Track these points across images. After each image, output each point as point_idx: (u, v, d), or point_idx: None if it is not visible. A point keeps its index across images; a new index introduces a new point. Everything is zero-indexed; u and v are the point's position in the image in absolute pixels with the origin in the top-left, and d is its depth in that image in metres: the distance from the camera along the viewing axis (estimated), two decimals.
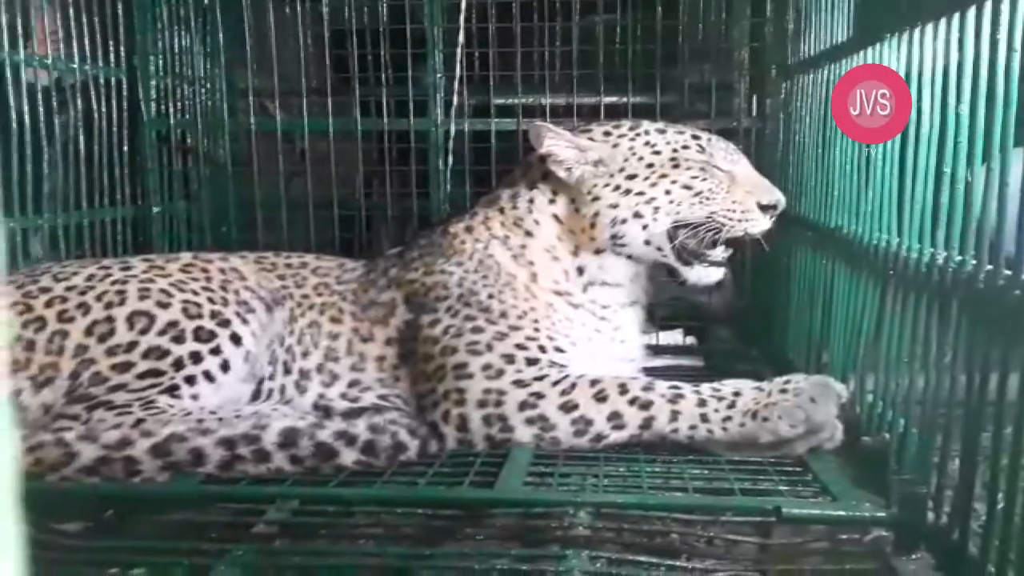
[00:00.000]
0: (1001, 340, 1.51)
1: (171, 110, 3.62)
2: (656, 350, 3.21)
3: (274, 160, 3.54)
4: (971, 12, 1.65)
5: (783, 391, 2.12)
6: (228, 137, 3.61)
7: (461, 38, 3.50)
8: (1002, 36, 1.54)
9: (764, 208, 2.42)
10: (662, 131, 2.53)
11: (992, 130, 1.57)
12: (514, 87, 3.52)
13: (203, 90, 3.69)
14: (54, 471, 1.96)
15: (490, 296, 2.42)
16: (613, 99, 3.53)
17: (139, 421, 2.11)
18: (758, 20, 3.47)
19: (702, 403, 2.14)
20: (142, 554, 1.73)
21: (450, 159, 3.52)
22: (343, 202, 3.63)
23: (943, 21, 1.77)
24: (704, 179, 2.42)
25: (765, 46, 3.44)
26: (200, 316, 2.33)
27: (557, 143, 2.48)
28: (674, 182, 2.42)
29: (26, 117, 2.88)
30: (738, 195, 2.42)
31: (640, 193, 2.43)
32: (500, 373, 2.25)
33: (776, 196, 2.44)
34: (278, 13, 3.51)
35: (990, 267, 1.57)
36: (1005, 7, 1.53)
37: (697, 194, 2.41)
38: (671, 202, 2.41)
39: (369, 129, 3.63)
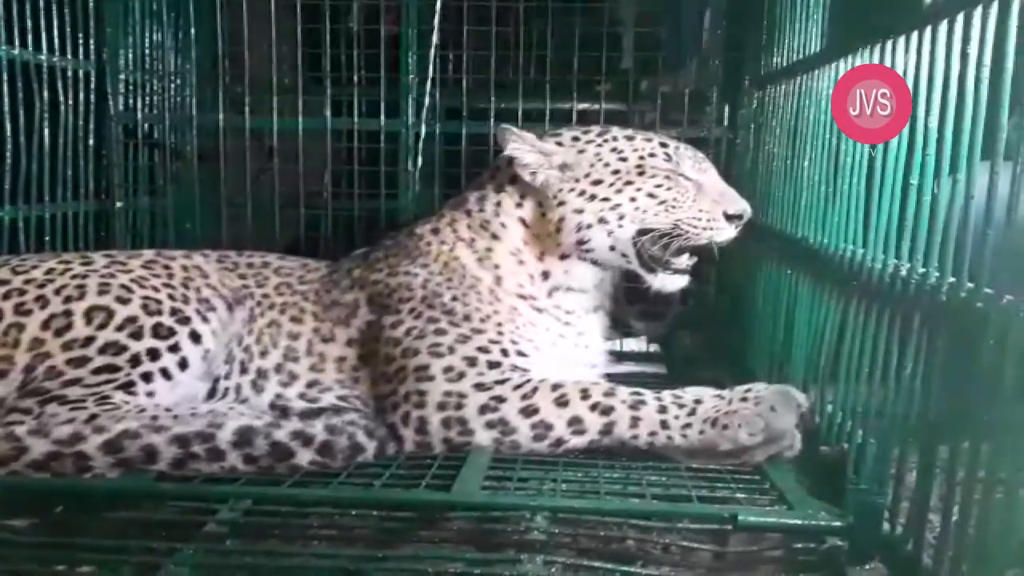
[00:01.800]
0: (962, 352, 1.52)
1: (139, 104, 3.58)
2: (619, 356, 3.20)
3: (242, 157, 3.51)
4: (942, 26, 1.66)
5: (744, 399, 2.11)
6: (196, 133, 3.57)
7: (435, 39, 3.49)
8: (972, 51, 1.55)
9: (730, 217, 2.42)
10: (630, 138, 2.53)
11: (959, 143, 1.58)
12: (487, 91, 3.51)
13: (173, 85, 3.66)
14: (3, 465, 1.93)
15: (454, 299, 2.41)
16: (586, 105, 3.53)
17: (92, 417, 2.07)
18: (732, 31, 3.48)
19: (663, 410, 2.13)
20: (91, 552, 1.71)
21: (419, 161, 3.51)
22: (310, 201, 3.60)
23: (914, 34, 1.78)
24: (669, 187, 2.42)
25: (739, 57, 3.44)
26: (160, 313, 2.30)
27: (520, 147, 2.48)
28: (639, 189, 2.42)
29: None
30: (704, 204, 2.42)
31: (605, 199, 2.42)
32: (461, 376, 2.23)
33: (742, 206, 2.44)
34: (251, 10, 3.48)
35: (953, 279, 1.58)
36: (976, 22, 1.54)
37: (662, 202, 2.41)
38: (636, 209, 2.41)
39: (339, 129, 3.60)
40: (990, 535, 1.41)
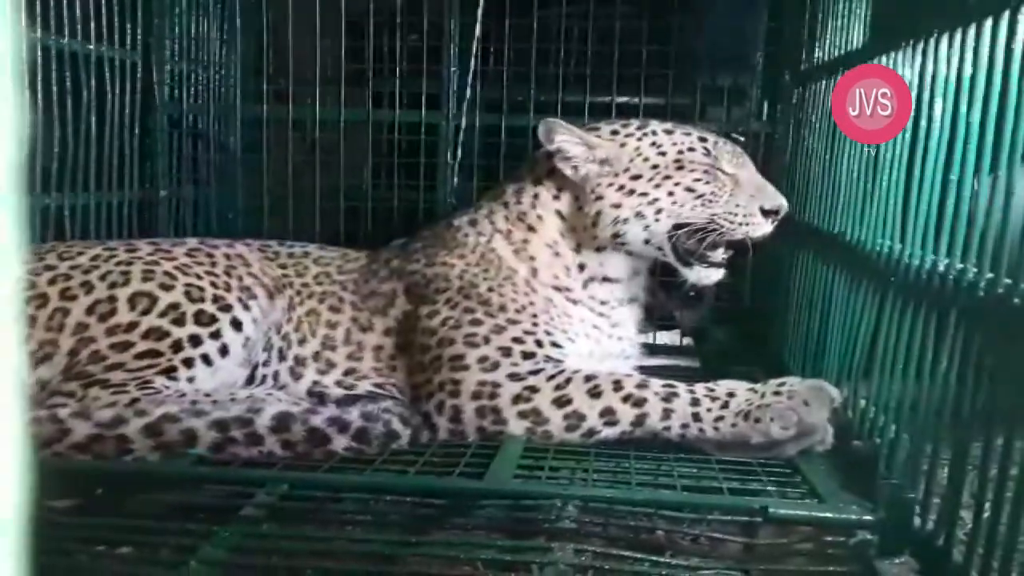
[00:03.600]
0: (998, 348, 1.51)
1: (184, 95, 3.63)
2: (653, 349, 3.21)
3: (284, 148, 3.55)
4: (987, 23, 1.64)
5: (777, 393, 2.11)
6: (240, 124, 3.63)
7: (478, 31, 3.51)
8: (1017, 47, 1.53)
9: (766, 213, 2.41)
10: (669, 132, 2.52)
11: (1001, 139, 1.56)
12: (528, 83, 3.52)
13: (217, 76, 3.71)
14: (46, 447, 1.97)
15: (490, 289, 2.42)
16: (625, 98, 3.53)
17: (134, 401, 2.12)
18: (774, 25, 3.46)
19: (695, 402, 2.14)
20: (130, 533, 1.73)
21: (459, 153, 3.53)
22: (350, 193, 3.64)
23: (959, 31, 1.76)
24: (707, 182, 2.42)
25: (779, 51, 3.43)
26: (202, 300, 2.34)
27: (568, 139, 2.47)
28: (677, 184, 2.41)
29: (39, 96, 2.88)
30: (741, 199, 2.42)
31: (643, 194, 2.43)
32: (496, 366, 2.25)
33: (779, 201, 2.43)
34: (296, 2, 3.52)
35: (991, 275, 1.57)
36: (1022, 18, 1.52)
37: (699, 196, 2.41)
38: (673, 204, 2.41)
39: (380, 120, 3.64)
40: (1022, 533, 1.40)
